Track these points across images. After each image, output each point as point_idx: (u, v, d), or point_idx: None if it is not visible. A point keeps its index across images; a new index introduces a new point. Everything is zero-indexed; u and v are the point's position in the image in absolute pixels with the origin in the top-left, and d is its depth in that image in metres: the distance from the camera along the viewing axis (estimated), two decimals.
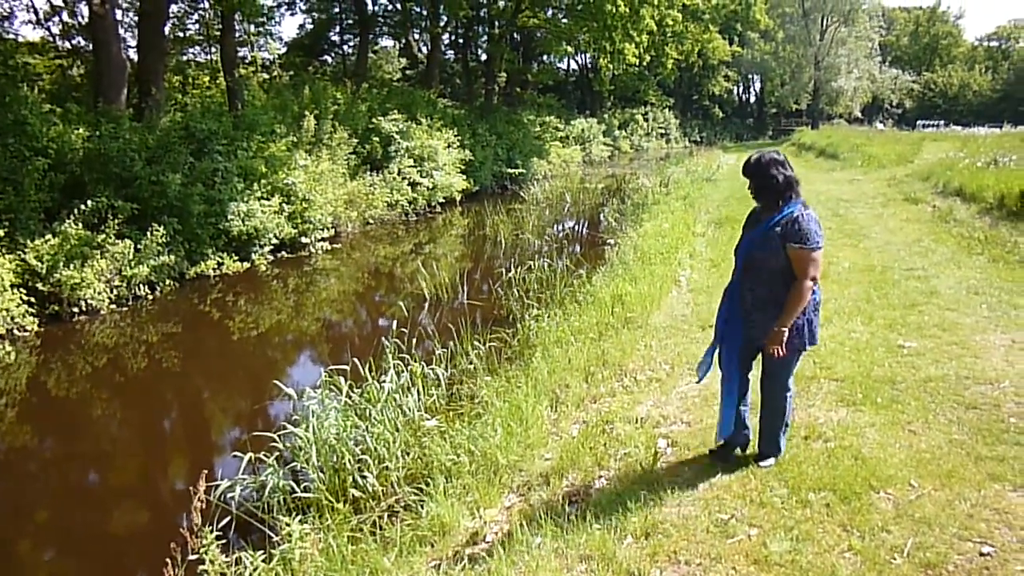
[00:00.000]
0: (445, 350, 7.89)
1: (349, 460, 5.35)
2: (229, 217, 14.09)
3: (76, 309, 11.23)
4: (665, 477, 4.47)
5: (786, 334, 4.01)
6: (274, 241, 15.33)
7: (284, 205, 15.68)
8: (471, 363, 7.77)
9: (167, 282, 12.80)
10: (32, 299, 10.73)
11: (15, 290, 10.54)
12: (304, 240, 16.09)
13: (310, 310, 12.60)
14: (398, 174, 21.08)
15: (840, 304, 8.24)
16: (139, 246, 12.12)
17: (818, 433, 4.85)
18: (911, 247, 11.60)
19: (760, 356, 4.30)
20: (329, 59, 38.07)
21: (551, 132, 39.17)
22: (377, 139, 21.22)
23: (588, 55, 49.60)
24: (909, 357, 6.32)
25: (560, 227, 20.64)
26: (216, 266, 13.74)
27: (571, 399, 6.43)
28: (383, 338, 7.28)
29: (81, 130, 13.14)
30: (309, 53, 36.07)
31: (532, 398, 6.37)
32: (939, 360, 6.19)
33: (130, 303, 12.10)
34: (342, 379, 6.23)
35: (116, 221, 12.00)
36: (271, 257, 15.42)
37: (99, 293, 11.42)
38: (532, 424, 5.85)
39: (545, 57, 47.52)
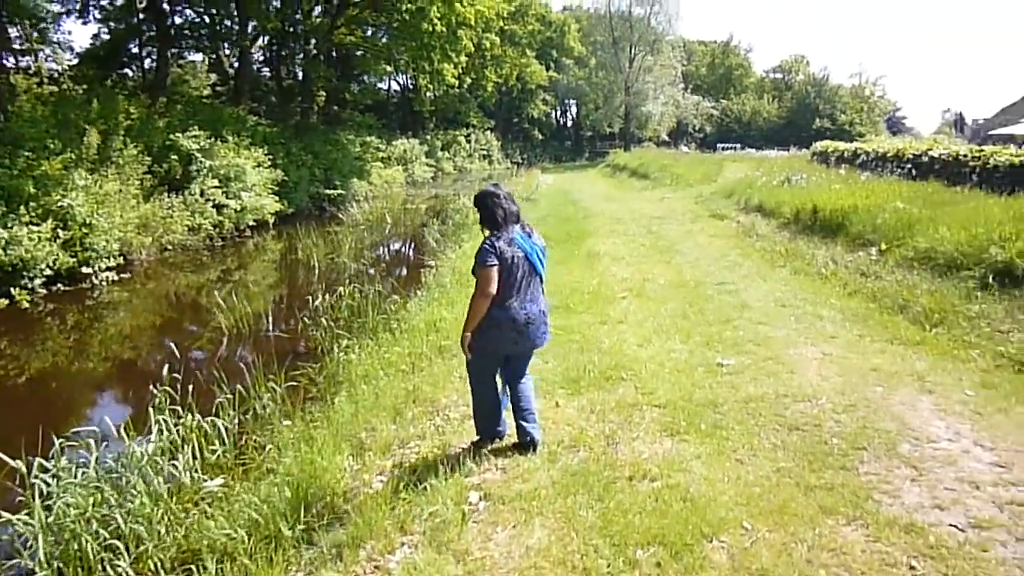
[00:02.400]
0: (235, 393, 6.89)
1: (93, 548, 4.29)
2: None
3: None
4: (477, 541, 3.84)
5: (467, 338, 4.70)
6: (47, 272, 13.33)
7: (59, 231, 13.71)
8: (264, 407, 6.82)
9: None
10: None
11: None
12: (85, 271, 14.15)
13: (81, 355, 10.92)
14: (201, 195, 19.34)
15: (659, 322, 8.09)
16: None
17: (643, 471, 4.44)
18: (720, 261, 11.91)
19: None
20: (130, 72, 34.93)
21: (372, 152, 38.16)
22: (176, 157, 19.37)
23: (408, 75, 49.16)
24: (728, 376, 6.16)
25: (379, 250, 19.82)
26: None
27: (377, 444, 5.68)
28: (155, 386, 6.16)
29: None
30: (105, 65, 32.80)
31: (331, 447, 5.58)
32: (757, 377, 6.07)
33: None
34: (92, 442, 5.11)
35: None
36: (44, 291, 13.40)
37: None
38: (328, 481, 5.05)
39: (365, 77, 46.50)
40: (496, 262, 4.51)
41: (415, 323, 9.02)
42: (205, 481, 5.80)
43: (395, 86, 56.26)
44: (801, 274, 10.67)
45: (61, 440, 4.94)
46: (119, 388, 9.72)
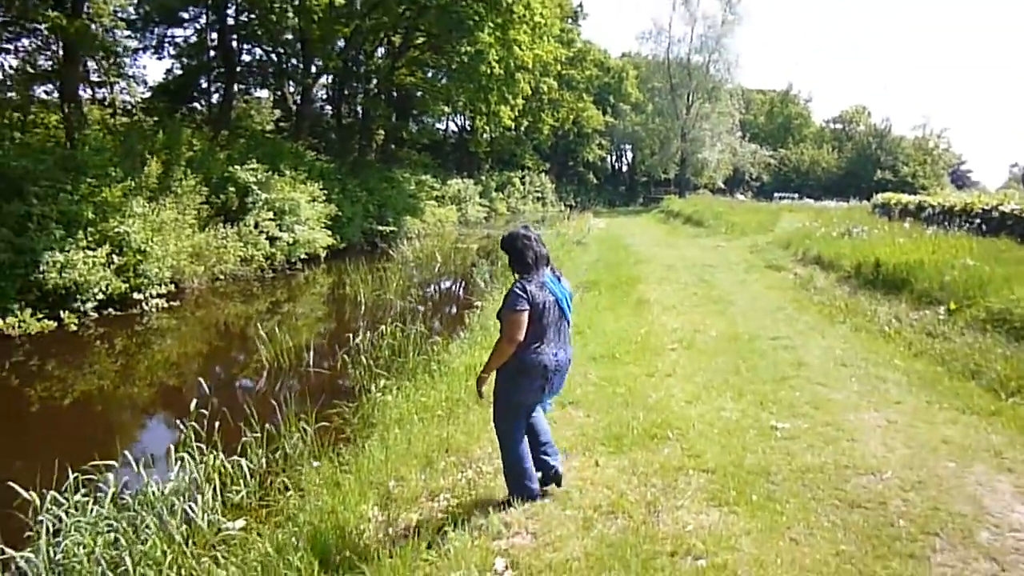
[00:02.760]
0: (264, 431, 6.70)
1: None
2: (42, 268, 12.27)
3: None
4: None
5: (484, 380, 4.61)
6: (100, 296, 13.52)
7: (114, 256, 13.94)
8: (294, 447, 6.61)
9: None
10: None
11: None
12: (137, 296, 14.33)
13: (120, 381, 10.93)
14: (255, 227, 19.61)
15: (709, 377, 7.67)
16: None
17: (687, 547, 4.05)
18: (775, 314, 11.41)
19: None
20: (198, 106, 36.10)
21: (427, 191, 38.52)
22: (233, 189, 19.73)
23: (466, 116, 49.79)
24: (783, 441, 5.71)
25: (426, 288, 19.71)
26: (27, 324, 11.83)
27: (405, 495, 5.38)
28: (182, 422, 5.99)
29: None
30: (175, 99, 33.97)
31: (356, 495, 5.32)
32: (815, 445, 5.62)
33: None
34: (111, 476, 4.94)
35: None
36: (95, 315, 13.58)
37: None
38: (350, 532, 4.78)
39: (424, 117, 47.23)
40: (527, 307, 4.32)
41: (455, 366, 8.76)
42: (226, 523, 5.64)
43: (452, 126, 57.07)
44: (862, 331, 10.12)
45: (76, 474, 4.78)
46: (153, 418, 9.65)
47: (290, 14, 27.29)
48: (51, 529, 4.37)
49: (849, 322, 10.69)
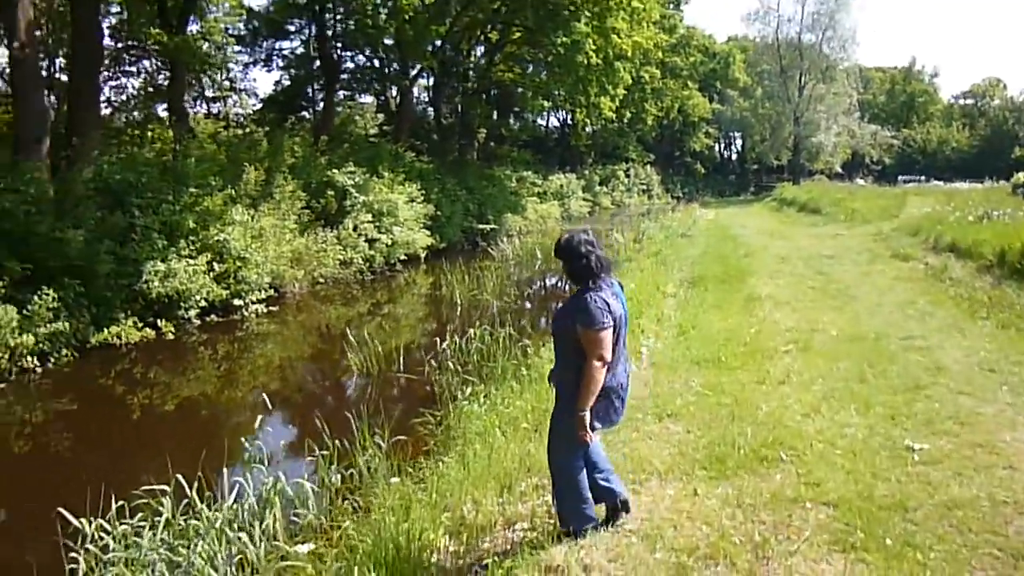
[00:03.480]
0: (346, 440, 6.35)
1: None
2: (145, 278, 12.54)
3: None
4: None
5: (587, 417, 3.86)
6: (202, 304, 13.76)
7: (215, 264, 14.16)
8: (369, 463, 6.19)
9: (63, 352, 11.16)
10: None
11: None
12: (237, 303, 14.52)
13: (212, 389, 10.96)
14: (353, 230, 19.67)
15: (830, 385, 6.75)
16: (26, 311, 10.54)
17: None
18: (905, 309, 10.21)
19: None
20: (306, 115, 37.12)
21: (528, 188, 38.14)
22: (332, 193, 19.88)
23: (566, 110, 49.08)
24: (922, 467, 4.81)
25: (526, 286, 19.21)
26: (127, 333, 12.11)
27: (479, 522, 4.84)
28: (241, 440, 5.67)
29: None
30: (285, 108, 35.06)
31: (429, 519, 4.84)
32: (962, 472, 4.69)
33: (12, 377, 10.45)
34: (167, 500, 4.64)
35: (1, 284, 10.46)
36: (198, 322, 13.83)
37: None
38: (417, 565, 4.29)
39: (524, 113, 46.86)
40: (611, 322, 3.82)
41: (544, 371, 8.16)
42: (293, 548, 5.28)
43: (554, 121, 56.45)
44: (1011, 328, 8.83)
45: (122, 501, 4.49)
46: (235, 429, 9.52)
47: (384, 16, 27.42)
48: (91, 567, 4.09)
49: (994, 318, 9.38)
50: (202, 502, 4.74)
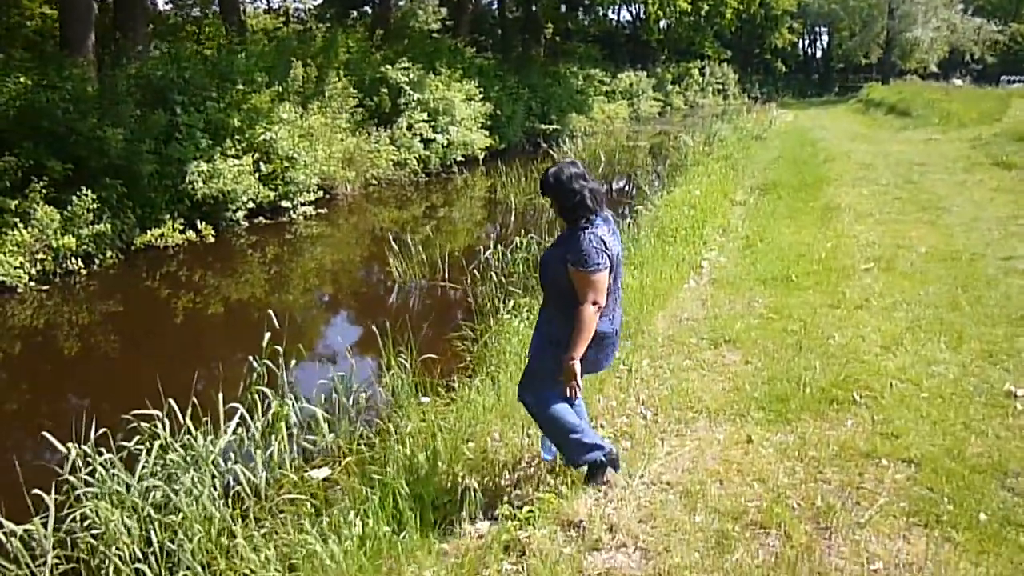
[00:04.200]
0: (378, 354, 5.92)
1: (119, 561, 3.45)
2: (189, 178, 12.21)
3: None
4: None
5: (578, 366, 3.46)
6: (249, 205, 13.42)
7: (261, 164, 13.73)
8: (394, 378, 5.72)
9: (108, 254, 11.01)
10: None
11: None
12: (285, 204, 14.14)
13: (252, 293, 10.68)
14: (408, 129, 18.92)
15: (915, 313, 5.91)
16: (69, 212, 10.33)
17: None
18: (1007, 226, 9.06)
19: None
20: (369, 10, 35.85)
21: (595, 86, 36.35)
22: (386, 91, 19.07)
23: (638, 3, 46.29)
24: None
25: None
26: (171, 234, 11.88)
27: (503, 458, 4.34)
28: (255, 358, 5.22)
29: (23, 79, 11.36)
30: (347, 3, 33.89)
31: (449, 452, 4.37)
32: None
33: (57, 279, 10.36)
34: (163, 424, 4.24)
35: (42, 184, 10.23)
36: (246, 224, 13.55)
37: (16, 268, 9.68)
38: (429, 513, 3.82)
39: (594, 6, 44.32)
40: (608, 263, 3.42)
41: None
42: (309, 471, 4.91)
43: (624, 15, 53.42)
44: None
45: (105, 429, 4.10)
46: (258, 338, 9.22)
47: None
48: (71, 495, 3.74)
49: None
50: (200, 426, 4.34)
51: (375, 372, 6.20)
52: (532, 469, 4.26)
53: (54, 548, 3.57)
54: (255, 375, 5.04)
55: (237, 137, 13.54)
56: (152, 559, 3.63)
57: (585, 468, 3.78)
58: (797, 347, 5.30)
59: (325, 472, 4.94)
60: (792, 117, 31.42)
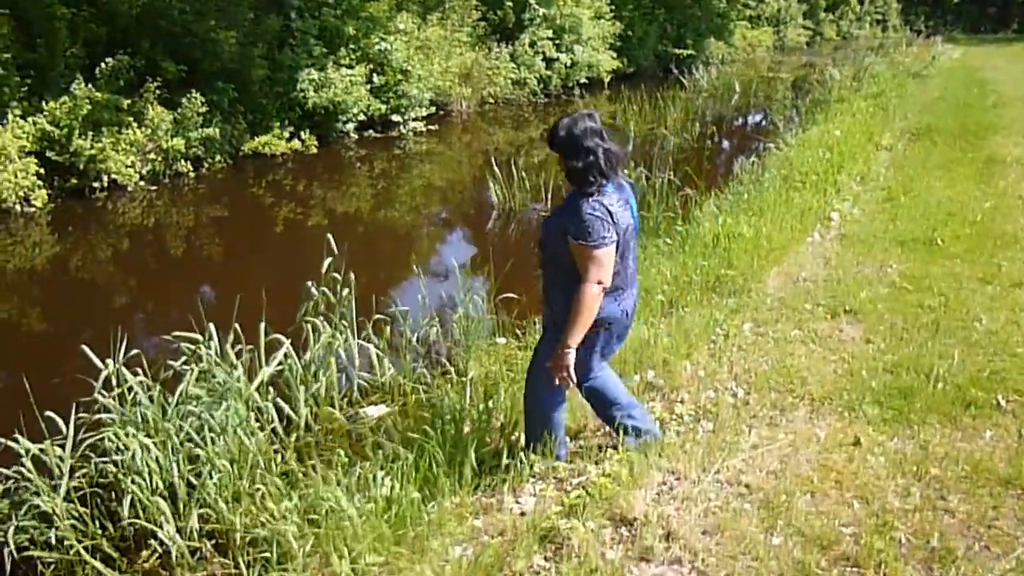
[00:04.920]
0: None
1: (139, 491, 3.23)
2: (300, 86, 12.03)
3: (98, 184, 9.74)
4: None
5: (572, 355, 2.99)
6: (360, 117, 13.18)
7: (374, 76, 13.40)
8: (469, 316, 5.27)
9: (217, 158, 11.07)
10: (44, 170, 9.26)
11: (29, 158, 9.12)
12: (396, 118, 13.82)
13: (343, 209, 10.51)
14: (530, 46, 18.09)
15: None
16: (179, 114, 10.37)
17: None
18: None
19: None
20: None
21: (739, 10, 33.79)
22: (511, 4, 18.20)
23: None
24: None
25: (710, 126, 17.04)
26: (279, 142, 11.81)
27: (568, 423, 3.83)
28: (316, 285, 4.86)
29: None
30: None
31: (504, 406, 3.94)
32: None
33: (167, 180, 10.51)
34: (209, 348, 3.98)
35: (156, 84, 10.27)
36: (356, 136, 13.36)
37: (127, 167, 9.84)
38: (469, 475, 3.40)
39: None
40: (615, 236, 2.91)
41: (699, 232, 6.75)
42: (364, 408, 4.61)
43: None
44: None
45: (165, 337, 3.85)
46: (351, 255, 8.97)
47: None
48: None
49: None
50: (251, 351, 4.07)
51: (451, 305, 5.77)
52: (596, 440, 3.76)
53: (75, 473, 3.39)
54: (312, 302, 4.69)
55: (351, 46, 13.25)
56: (177, 492, 3.42)
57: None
58: (933, 328, 4.44)
59: (381, 410, 4.62)
60: (960, 54, 28.19)
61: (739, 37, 32.29)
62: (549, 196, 9.09)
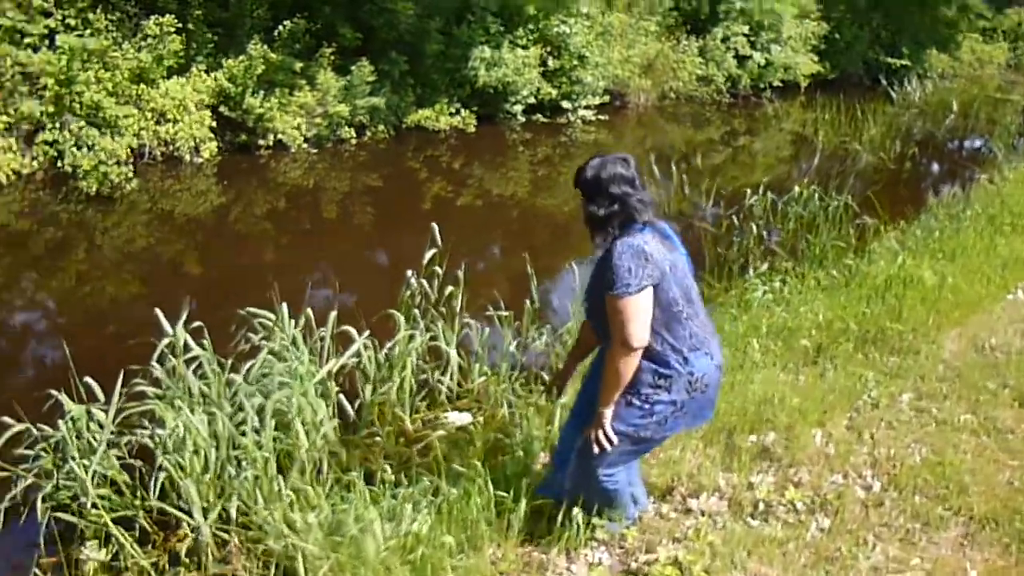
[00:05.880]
0: None
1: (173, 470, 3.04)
2: (471, 64, 11.85)
3: (264, 143, 10.04)
4: None
5: (607, 417, 2.56)
6: (529, 101, 12.84)
7: (549, 59, 12.99)
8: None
9: (380, 127, 11.13)
10: (217, 124, 9.67)
11: (205, 111, 9.55)
12: (566, 105, 13.35)
13: (510, 194, 10.18)
14: (722, 41, 16.91)
15: None
16: (348, 81, 10.48)
17: None
18: None
19: None
20: None
21: (970, 21, 30.23)
22: None
23: None
24: None
25: (912, 147, 15.20)
26: (444, 118, 11.70)
27: (655, 479, 3.23)
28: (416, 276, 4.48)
29: None
30: None
31: None
32: None
33: (329, 145, 10.68)
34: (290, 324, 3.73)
35: (331, 50, 10.44)
36: (522, 119, 13.04)
37: (293, 128, 10.08)
38: (517, 522, 2.91)
39: None
40: (650, 276, 2.47)
41: (870, 272, 5.76)
42: (448, 414, 4.23)
43: None
44: None
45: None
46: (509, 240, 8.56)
47: None
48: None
49: None
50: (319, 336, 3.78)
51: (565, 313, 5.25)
52: (678, 508, 3.14)
53: (115, 443, 3.23)
54: (409, 291, 4.34)
55: (529, 26, 12.90)
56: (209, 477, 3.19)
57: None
58: None
59: (465, 418, 4.19)
60: None
61: (967, 51, 28.89)
62: (708, 204, 8.28)
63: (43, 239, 7.48)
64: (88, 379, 3.28)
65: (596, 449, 2.62)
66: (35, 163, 8.24)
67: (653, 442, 2.77)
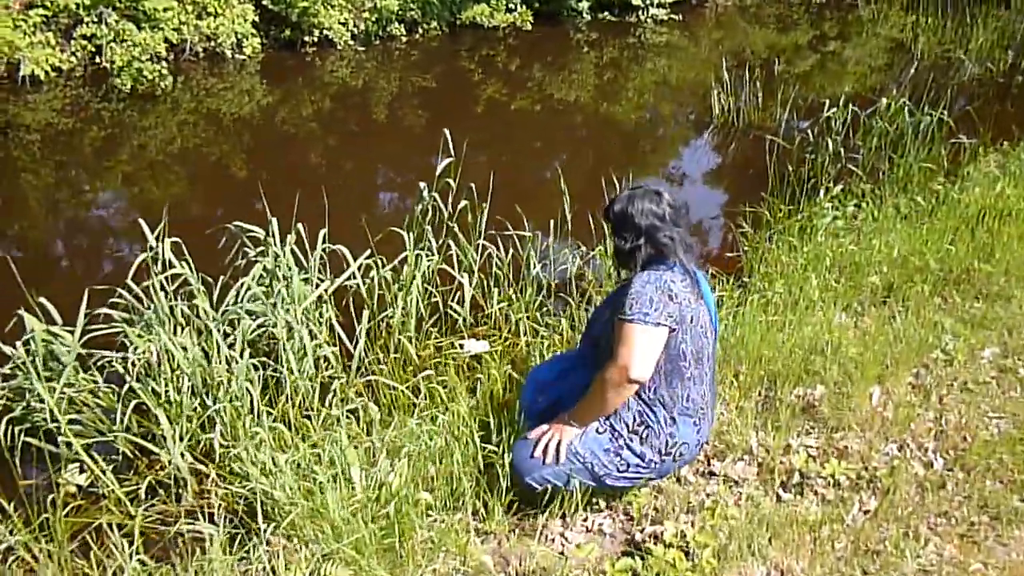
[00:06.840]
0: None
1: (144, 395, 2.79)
2: None
3: (309, 39, 9.55)
4: None
5: (568, 434, 2.40)
6: None
7: None
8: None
9: (433, 24, 10.48)
10: (260, 18, 9.22)
11: (247, 4, 9.10)
12: (636, 2, 12.34)
13: (564, 99, 9.43)
14: None
15: None
16: None
17: None
18: None
19: None
20: None
21: None
22: None
23: None
24: None
25: None
26: (501, 14, 10.94)
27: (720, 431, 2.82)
28: (424, 195, 4.02)
29: None
30: None
31: None
32: None
33: (378, 42, 10.11)
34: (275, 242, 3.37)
35: None
36: (588, 17, 12.13)
37: (340, 24, 9.55)
38: (499, 492, 2.55)
39: None
40: (672, 319, 2.28)
41: (962, 200, 5.02)
42: (462, 342, 3.89)
43: None
44: None
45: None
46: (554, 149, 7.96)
47: None
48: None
49: None
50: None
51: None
52: (699, 470, 2.72)
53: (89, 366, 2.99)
54: (420, 207, 3.91)
55: None
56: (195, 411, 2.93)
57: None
58: None
59: (483, 347, 3.83)
60: None
61: None
62: (782, 119, 7.48)
63: (86, 137, 7.26)
64: (43, 299, 2.99)
65: (539, 453, 2.40)
66: (74, 59, 7.99)
67: (605, 481, 2.44)
